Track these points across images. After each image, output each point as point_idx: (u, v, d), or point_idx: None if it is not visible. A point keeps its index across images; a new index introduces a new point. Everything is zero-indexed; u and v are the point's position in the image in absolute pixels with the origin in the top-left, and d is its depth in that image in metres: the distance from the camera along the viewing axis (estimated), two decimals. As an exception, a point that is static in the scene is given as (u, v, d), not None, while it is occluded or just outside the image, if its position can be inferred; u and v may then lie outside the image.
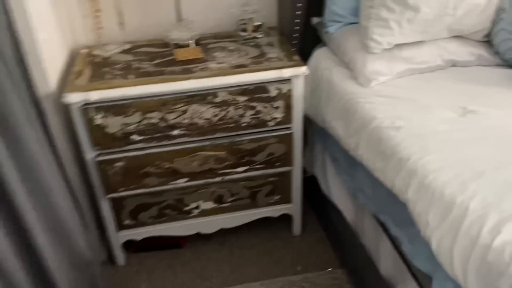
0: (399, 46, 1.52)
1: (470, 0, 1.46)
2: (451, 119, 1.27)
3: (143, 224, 1.71)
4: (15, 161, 0.99)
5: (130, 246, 1.82)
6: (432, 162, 1.09)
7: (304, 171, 1.80)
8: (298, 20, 1.73)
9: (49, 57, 1.41)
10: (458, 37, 1.57)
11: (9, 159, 0.95)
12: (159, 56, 1.62)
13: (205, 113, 1.51)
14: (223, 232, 1.83)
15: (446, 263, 0.96)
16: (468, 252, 0.90)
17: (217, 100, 1.49)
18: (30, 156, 1.05)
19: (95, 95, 1.38)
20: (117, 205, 1.63)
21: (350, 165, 1.46)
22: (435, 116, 1.28)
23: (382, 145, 1.23)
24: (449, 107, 1.32)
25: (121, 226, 1.69)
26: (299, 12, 1.71)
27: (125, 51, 1.66)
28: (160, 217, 1.71)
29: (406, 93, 1.41)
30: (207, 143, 1.56)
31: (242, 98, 1.51)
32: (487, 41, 1.58)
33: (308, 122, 1.77)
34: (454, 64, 1.57)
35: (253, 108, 1.54)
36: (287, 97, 1.54)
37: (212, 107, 1.50)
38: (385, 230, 1.33)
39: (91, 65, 1.56)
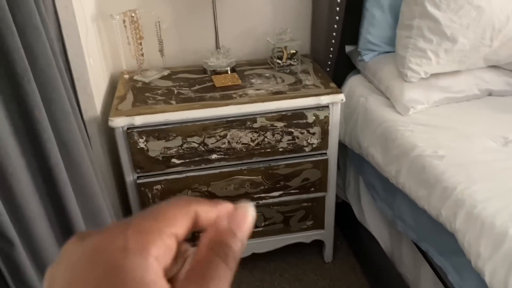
0: (435, 75, 1.54)
1: (507, 31, 1.48)
2: (493, 149, 1.27)
3: (177, 247, 1.71)
4: (72, 182, 1.02)
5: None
6: (479, 192, 1.09)
7: (336, 197, 1.81)
8: (332, 48, 1.77)
9: (94, 82, 1.46)
10: (494, 67, 1.59)
11: (68, 180, 0.98)
12: (198, 82, 1.66)
13: (243, 138, 1.53)
14: (254, 257, 1.83)
15: (500, 295, 0.95)
16: (524, 284, 0.90)
17: (256, 125, 1.52)
18: (83, 179, 1.08)
19: (139, 120, 1.42)
20: (152, 227, 1.65)
21: (388, 192, 1.47)
22: (476, 146, 1.29)
23: (426, 173, 1.23)
24: (490, 136, 1.33)
25: (155, 249, 1.70)
26: (334, 41, 1.74)
27: (164, 77, 1.71)
28: (194, 240, 1.72)
29: (444, 121, 1.43)
30: (244, 167, 1.59)
31: (279, 124, 1.54)
32: (524, 71, 1.59)
33: (340, 148, 1.78)
34: (490, 93, 1.58)
35: (290, 133, 1.56)
36: (323, 123, 1.56)
37: (250, 132, 1.53)
38: (426, 258, 1.32)
39: (133, 90, 1.61)
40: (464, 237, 1.06)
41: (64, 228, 0.98)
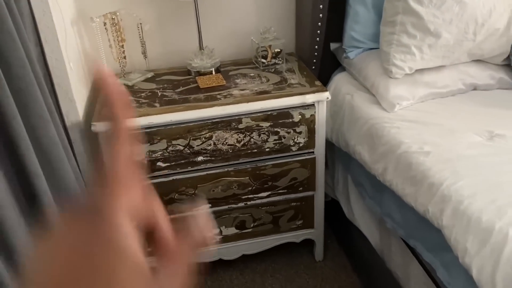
0: (420, 71, 1.54)
1: (490, 25, 1.49)
2: (478, 143, 1.27)
3: (165, 251, 1.69)
4: (49, 183, 0.99)
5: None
6: (465, 187, 1.09)
7: (325, 195, 1.80)
8: (317, 46, 1.76)
9: (76, 86, 1.43)
10: (478, 61, 1.59)
11: (48, 188, 0.95)
12: (182, 84, 1.64)
13: (229, 139, 1.52)
14: (244, 259, 1.81)
15: (488, 290, 0.95)
16: (511, 279, 0.90)
17: (241, 126, 1.51)
18: (65, 185, 1.06)
19: (122, 124, 1.39)
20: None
21: (376, 189, 1.46)
22: (462, 141, 1.29)
23: (412, 170, 1.23)
24: (475, 131, 1.33)
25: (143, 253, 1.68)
26: (318, 39, 1.73)
27: (148, 80, 1.68)
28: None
29: (430, 117, 1.43)
30: (230, 168, 1.57)
31: (265, 124, 1.52)
32: (508, 64, 1.59)
33: (328, 146, 1.78)
34: (475, 87, 1.58)
35: (276, 133, 1.55)
36: (310, 122, 1.55)
37: (236, 133, 1.51)
38: (415, 255, 1.32)
39: (116, 94, 1.58)
40: (451, 233, 1.06)
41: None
